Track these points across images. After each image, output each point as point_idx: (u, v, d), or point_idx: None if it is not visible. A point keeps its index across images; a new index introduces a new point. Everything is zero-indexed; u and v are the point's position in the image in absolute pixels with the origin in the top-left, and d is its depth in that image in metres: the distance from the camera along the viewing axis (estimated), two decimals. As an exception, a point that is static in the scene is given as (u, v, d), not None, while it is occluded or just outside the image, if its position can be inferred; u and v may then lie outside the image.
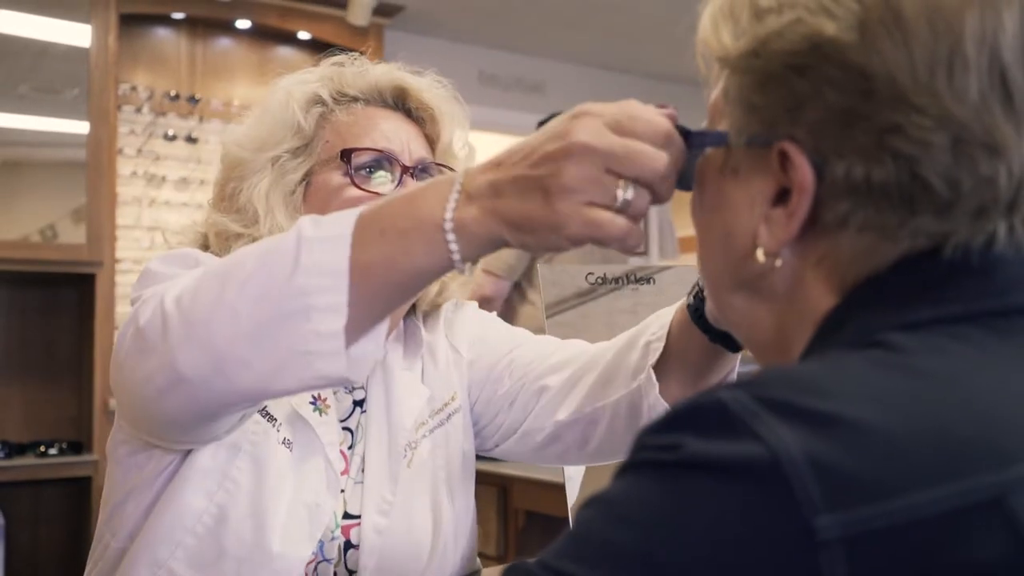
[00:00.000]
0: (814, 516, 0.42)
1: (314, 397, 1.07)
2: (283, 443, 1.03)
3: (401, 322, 1.19)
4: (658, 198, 0.67)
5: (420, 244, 0.69)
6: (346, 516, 1.10)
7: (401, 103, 1.18)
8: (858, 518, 0.42)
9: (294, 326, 0.72)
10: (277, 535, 1.00)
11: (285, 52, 4.46)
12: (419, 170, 1.13)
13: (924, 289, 0.53)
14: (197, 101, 4.11)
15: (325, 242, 0.72)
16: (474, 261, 0.73)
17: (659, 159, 0.64)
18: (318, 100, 1.14)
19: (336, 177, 1.10)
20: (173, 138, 4.04)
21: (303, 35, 4.41)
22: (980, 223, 0.53)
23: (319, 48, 4.48)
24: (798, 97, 0.55)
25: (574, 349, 1.16)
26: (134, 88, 3.99)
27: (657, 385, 1.01)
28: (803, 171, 0.54)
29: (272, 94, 1.16)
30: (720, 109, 0.62)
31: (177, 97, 4.07)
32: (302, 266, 0.72)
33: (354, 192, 1.08)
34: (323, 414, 1.07)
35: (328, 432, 1.07)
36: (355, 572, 1.09)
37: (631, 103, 0.67)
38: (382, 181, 1.10)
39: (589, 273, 1.39)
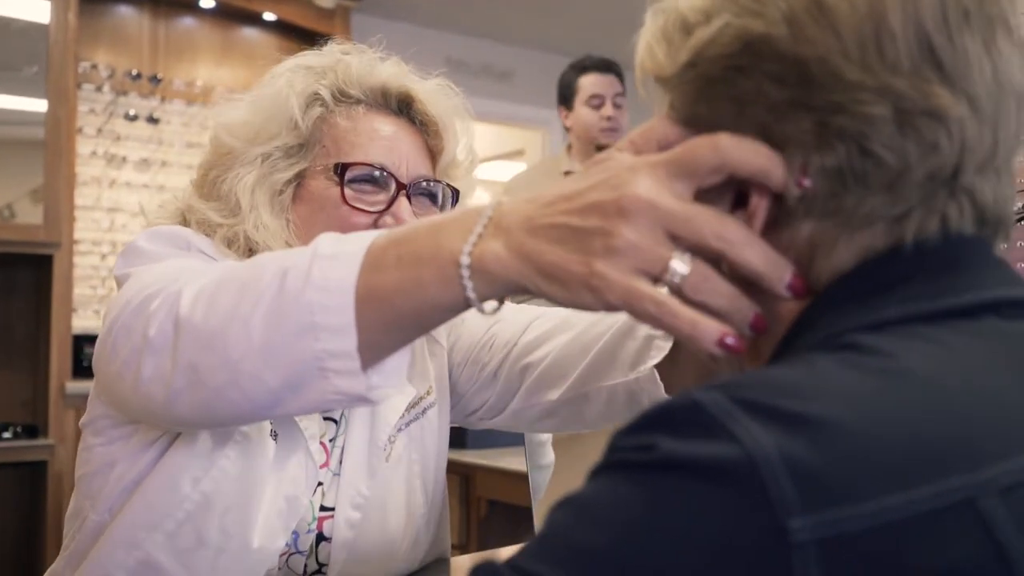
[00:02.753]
0: (788, 517, 0.41)
1: None
2: (271, 435, 1.01)
3: None
4: (733, 266, 0.56)
5: (433, 276, 0.64)
6: (322, 509, 1.09)
7: (406, 110, 1.13)
8: (832, 520, 0.41)
9: (303, 344, 0.70)
10: (258, 528, 0.99)
11: (250, 33, 4.40)
12: (416, 186, 1.09)
13: (890, 288, 0.54)
14: (159, 81, 4.04)
15: (337, 259, 0.69)
16: (500, 301, 0.65)
17: (728, 223, 0.55)
18: (318, 99, 1.09)
19: (329, 188, 1.06)
20: (134, 118, 3.98)
21: (268, 16, 4.35)
22: (931, 200, 0.54)
23: (284, 29, 4.43)
24: (742, 97, 0.56)
25: (555, 320, 1.14)
26: (95, 66, 3.91)
27: (661, 385, 0.99)
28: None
29: (271, 81, 1.11)
30: (658, 132, 0.61)
31: (139, 76, 4.00)
32: (312, 282, 0.69)
33: (344, 208, 1.05)
34: None
35: (310, 424, 1.05)
36: (325, 565, 1.08)
37: (693, 142, 0.57)
38: (374, 195, 1.07)
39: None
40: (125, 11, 4.05)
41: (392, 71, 1.12)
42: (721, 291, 0.56)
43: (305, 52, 1.13)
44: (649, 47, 0.62)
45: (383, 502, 1.11)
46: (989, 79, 0.53)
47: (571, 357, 1.09)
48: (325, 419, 1.10)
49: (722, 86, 0.57)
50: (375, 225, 1.05)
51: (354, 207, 1.05)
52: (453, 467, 2.42)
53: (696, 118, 0.59)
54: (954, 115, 0.52)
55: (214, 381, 0.76)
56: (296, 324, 0.70)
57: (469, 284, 0.62)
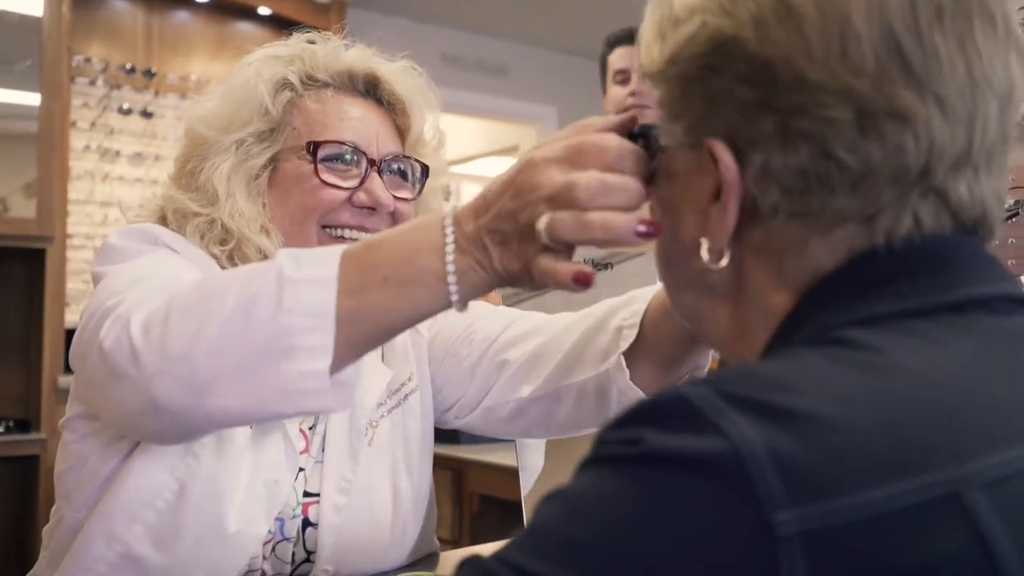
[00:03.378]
0: (774, 511, 0.42)
1: None
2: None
3: None
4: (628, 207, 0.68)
5: (423, 295, 0.73)
6: (306, 495, 1.09)
7: (372, 91, 1.16)
8: (817, 513, 0.42)
9: (278, 365, 0.73)
10: (235, 513, 1.00)
11: (245, 27, 4.38)
12: (388, 163, 1.12)
13: (877, 283, 0.54)
14: (153, 75, 4.03)
15: (311, 284, 0.73)
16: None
17: (613, 190, 0.67)
18: (287, 84, 1.11)
19: (302, 167, 1.09)
20: (128, 112, 3.97)
21: (264, 10, 4.34)
22: (902, 200, 0.54)
23: (280, 24, 4.41)
24: (714, 96, 0.57)
25: (535, 321, 1.16)
26: (88, 60, 3.90)
27: (628, 372, 1.01)
28: (726, 165, 0.56)
29: (240, 71, 1.14)
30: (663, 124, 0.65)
31: (133, 70, 3.99)
32: (285, 307, 0.73)
33: (317, 184, 1.07)
34: None
35: None
36: (314, 552, 1.09)
37: (580, 131, 0.71)
38: (346, 173, 1.09)
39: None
40: (119, 5, 4.04)
41: (357, 55, 1.15)
42: (614, 187, 0.67)
43: (272, 43, 1.16)
44: (647, 42, 0.63)
45: (368, 486, 1.12)
46: (962, 78, 0.53)
47: (546, 354, 1.11)
48: None
49: (697, 85, 0.58)
50: (349, 201, 1.08)
51: (328, 184, 1.07)
52: (445, 462, 2.42)
53: (676, 113, 0.61)
54: (920, 116, 0.52)
55: (180, 404, 0.78)
56: (272, 347, 0.73)
57: (456, 296, 0.73)
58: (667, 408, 0.47)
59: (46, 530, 1.12)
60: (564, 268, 0.69)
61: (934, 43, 0.53)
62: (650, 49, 0.63)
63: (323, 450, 1.11)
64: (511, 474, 2.15)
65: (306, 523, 1.09)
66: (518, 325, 1.16)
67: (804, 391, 0.46)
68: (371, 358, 1.16)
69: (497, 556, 0.47)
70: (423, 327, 1.22)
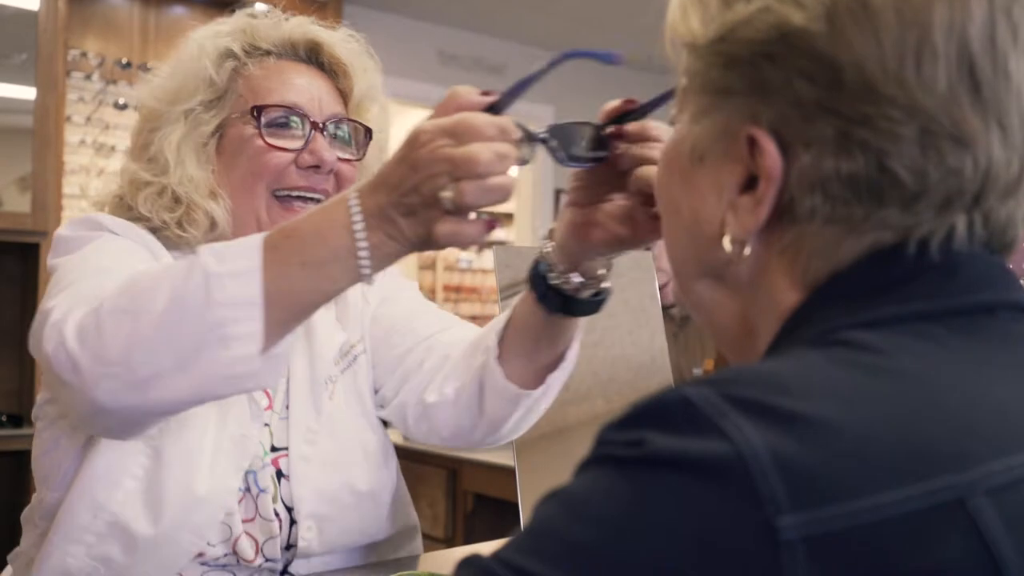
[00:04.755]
0: (776, 515, 0.41)
1: None
2: None
3: None
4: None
5: (340, 271, 0.80)
6: (274, 449, 1.14)
7: (315, 57, 1.19)
8: (820, 518, 0.41)
9: (214, 355, 0.81)
10: (206, 469, 1.05)
11: (241, 23, 4.37)
12: (331, 124, 1.16)
13: (887, 286, 0.53)
14: (149, 70, 4.01)
15: (236, 277, 0.80)
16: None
17: (478, 158, 0.75)
18: (230, 54, 1.15)
19: (248, 131, 1.12)
20: (124, 107, 3.95)
21: (260, 7, 4.32)
22: (944, 216, 0.52)
23: (276, 20, 4.41)
24: (767, 84, 0.54)
25: (464, 331, 1.21)
26: (84, 54, 3.89)
27: (499, 369, 1.05)
28: (771, 158, 0.54)
29: (185, 47, 1.18)
30: (683, 103, 0.62)
31: (129, 65, 3.98)
32: (215, 300, 0.80)
33: (263, 147, 1.12)
34: None
35: None
36: (294, 509, 1.12)
37: (454, 104, 0.79)
38: (291, 136, 1.13)
39: (544, 255, 1.38)
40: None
41: (297, 24, 1.20)
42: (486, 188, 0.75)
43: (217, 20, 1.21)
44: (683, 7, 0.60)
45: (334, 435, 1.16)
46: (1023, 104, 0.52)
47: (449, 363, 1.16)
48: None
49: (747, 68, 0.55)
50: (295, 163, 1.12)
51: (273, 146, 1.12)
52: (439, 461, 2.41)
53: (718, 92, 0.57)
54: (981, 142, 0.51)
55: (123, 403, 0.84)
56: (207, 339, 0.80)
57: (368, 269, 0.79)
58: (669, 409, 0.46)
59: (25, 514, 1.16)
60: (469, 227, 0.77)
61: (1008, 67, 0.51)
62: (687, 16, 0.59)
63: (287, 407, 1.15)
64: (506, 473, 2.15)
65: (280, 475, 1.13)
66: (452, 332, 1.21)
67: (808, 394, 0.45)
68: (327, 315, 1.21)
69: (496, 556, 0.46)
70: (373, 300, 1.27)
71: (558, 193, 5.98)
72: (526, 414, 1.10)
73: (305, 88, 1.15)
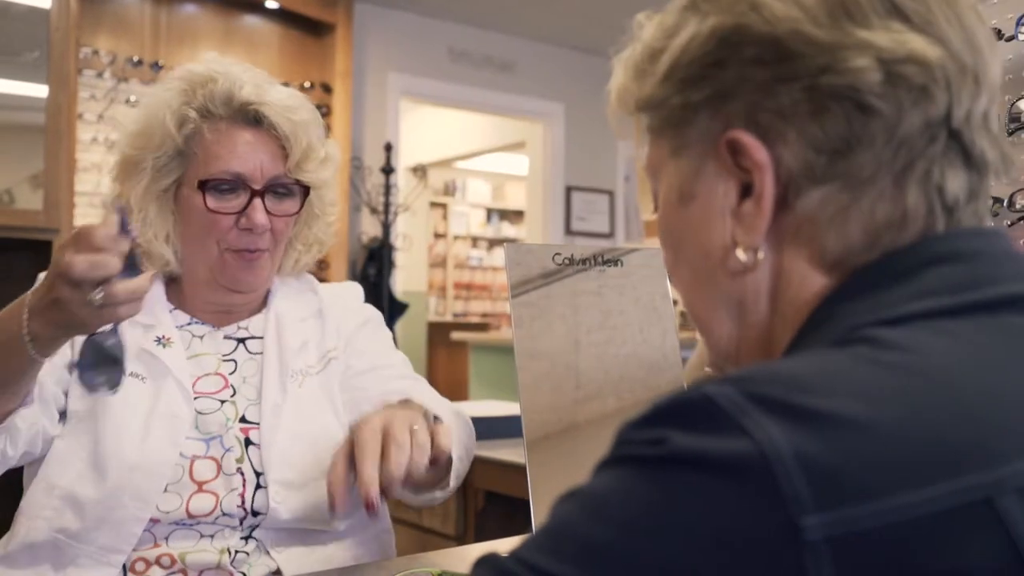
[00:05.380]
0: (801, 515, 0.41)
1: (158, 337, 1.28)
2: (131, 375, 1.21)
3: (292, 281, 1.44)
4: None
5: (13, 352, 1.03)
6: (244, 420, 1.27)
7: (260, 120, 1.31)
8: (845, 518, 0.41)
9: None
10: (137, 441, 1.19)
11: (252, 21, 4.38)
12: (272, 188, 1.31)
13: (907, 281, 0.53)
14: (161, 68, 4.03)
15: None
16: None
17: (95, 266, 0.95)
18: (189, 118, 1.28)
19: (195, 197, 1.28)
20: (135, 104, 3.96)
21: (271, 4, 4.33)
22: (930, 150, 0.55)
23: (286, 17, 4.42)
24: (725, 89, 0.57)
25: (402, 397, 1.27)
26: (96, 52, 3.90)
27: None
28: (755, 148, 0.56)
29: (154, 94, 1.33)
30: (656, 162, 0.65)
31: (140, 63, 3.99)
32: None
33: (206, 212, 1.27)
34: (167, 347, 1.28)
35: (173, 357, 1.27)
36: (263, 474, 1.22)
37: (85, 229, 0.96)
38: (233, 201, 1.29)
39: (556, 253, 1.38)
40: (127, -3, 4.04)
41: (251, 88, 1.31)
42: None
43: (187, 65, 1.35)
44: (622, 88, 0.65)
45: (299, 413, 1.29)
46: (957, 28, 0.55)
47: None
48: (225, 359, 1.33)
49: (703, 84, 0.58)
50: (236, 224, 1.29)
51: (216, 211, 1.27)
52: (450, 458, 2.42)
53: (685, 123, 0.61)
54: (933, 58, 0.54)
55: None
56: None
57: (33, 351, 1.02)
58: (691, 408, 0.46)
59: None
60: (105, 313, 0.98)
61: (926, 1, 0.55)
62: (627, 90, 0.64)
63: (260, 390, 1.30)
64: (516, 470, 2.15)
65: (248, 443, 1.25)
66: (392, 392, 1.27)
67: (831, 392, 0.45)
68: (296, 313, 1.38)
69: (514, 555, 0.46)
70: (352, 322, 1.42)
71: (569, 190, 5.97)
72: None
73: (249, 155, 1.29)
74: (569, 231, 5.94)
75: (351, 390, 1.36)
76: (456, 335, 5.50)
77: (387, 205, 4.79)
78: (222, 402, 1.29)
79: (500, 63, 5.61)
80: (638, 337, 1.40)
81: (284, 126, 1.31)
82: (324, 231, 1.41)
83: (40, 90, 3.49)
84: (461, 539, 2.40)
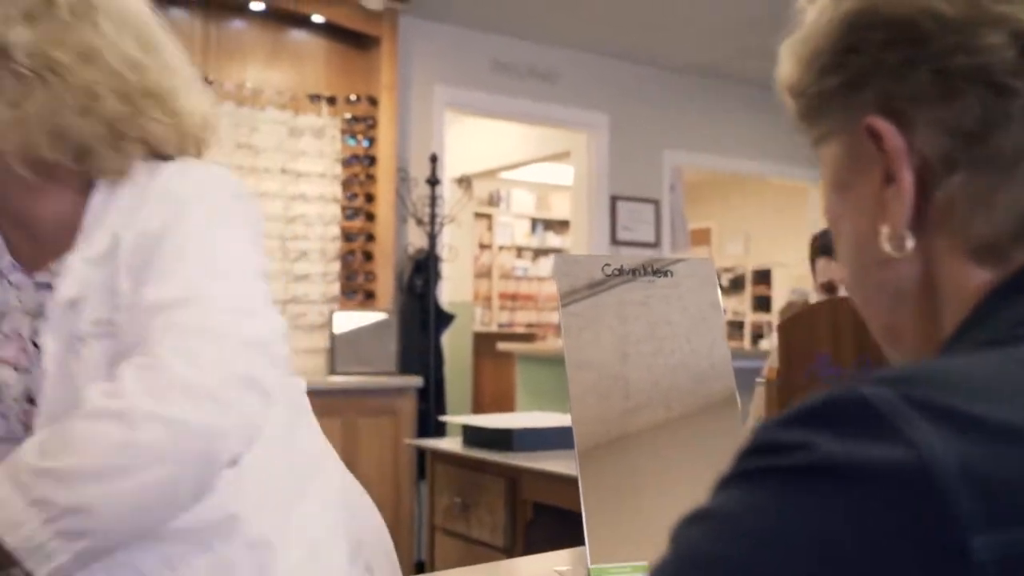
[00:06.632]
0: (971, 535, 0.36)
1: None
2: None
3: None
4: None
5: None
6: (29, 401, 1.15)
7: None
8: (1018, 539, 0.37)
9: None
10: None
11: (299, 35, 4.44)
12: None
13: None
14: (210, 83, 4.09)
15: None
16: None
17: None
18: None
19: None
20: (185, 120, 4.03)
21: (317, 18, 4.38)
22: None
23: (333, 32, 4.47)
24: (860, 77, 0.56)
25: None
26: (147, 69, 3.97)
27: None
28: (889, 132, 0.54)
29: None
30: (816, 133, 0.63)
31: (190, 79, 4.05)
32: None
33: None
34: None
35: None
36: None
37: None
38: None
39: (605, 264, 1.38)
40: (176, 13, 4.11)
41: None
42: None
43: None
44: (782, 63, 0.64)
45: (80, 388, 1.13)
46: None
47: None
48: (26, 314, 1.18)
49: (840, 70, 0.58)
50: None
51: None
52: (499, 469, 2.41)
53: (825, 112, 0.60)
54: None
55: None
56: None
57: None
58: (843, 410, 0.41)
59: None
60: None
61: None
62: (783, 64, 0.64)
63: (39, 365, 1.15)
64: (566, 482, 2.14)
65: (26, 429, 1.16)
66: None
67: (997, 397, 0.41)
68: (86, 269, 1.12)
69: None
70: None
71: (614, 200, 5.95)
72: None
73: None
74: (615, 241, 5.92)
75: None
76: (502, 346, 5.50)
77: (433, 216, 4.81)
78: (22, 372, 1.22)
79: (543, 73, 5.61)
80: (686, 347, 1.39)
81: None
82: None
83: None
84: (510, 551, 2.39)
